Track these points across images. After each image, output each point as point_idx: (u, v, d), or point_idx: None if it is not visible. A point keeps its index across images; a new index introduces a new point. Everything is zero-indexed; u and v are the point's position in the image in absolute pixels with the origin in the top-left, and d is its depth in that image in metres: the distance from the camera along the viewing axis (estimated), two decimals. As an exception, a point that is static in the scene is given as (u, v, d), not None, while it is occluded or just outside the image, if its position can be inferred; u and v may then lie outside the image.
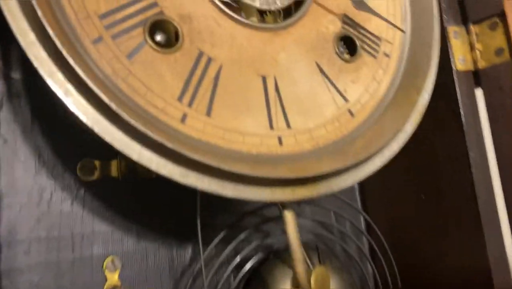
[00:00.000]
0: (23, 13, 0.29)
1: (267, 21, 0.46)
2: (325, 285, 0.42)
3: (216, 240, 0.44)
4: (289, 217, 0.37)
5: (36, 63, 0.28)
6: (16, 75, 0.44)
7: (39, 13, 0.28)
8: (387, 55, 0.44)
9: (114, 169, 0.45)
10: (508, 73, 0.45)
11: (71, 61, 0.28)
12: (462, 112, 0.46)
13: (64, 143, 0.44)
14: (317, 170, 0.35)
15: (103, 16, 0.32)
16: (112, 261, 0.44)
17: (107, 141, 0.29)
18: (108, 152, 0.45)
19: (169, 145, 0.29)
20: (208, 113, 0.34)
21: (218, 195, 0.32)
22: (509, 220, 0.45)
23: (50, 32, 0.28)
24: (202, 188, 0.31)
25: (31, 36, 0.28)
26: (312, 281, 0.41)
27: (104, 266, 0.44)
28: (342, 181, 0.37)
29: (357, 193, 0.61)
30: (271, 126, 0.37)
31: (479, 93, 0.48)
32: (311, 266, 0.43)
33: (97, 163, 0.45)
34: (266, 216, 0.49)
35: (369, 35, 0.44)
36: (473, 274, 0.45)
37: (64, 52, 0.28)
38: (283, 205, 0.36)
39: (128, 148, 0.30)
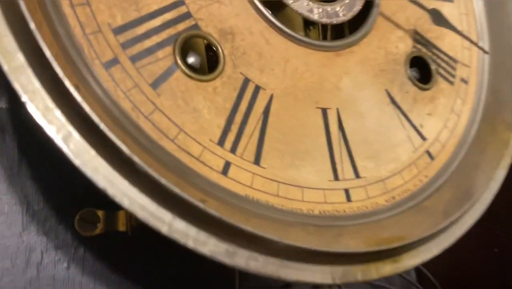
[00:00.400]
0: (8, 26, 0.20)
1: (312, 37, 0.37)
2: None
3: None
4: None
5: (24, 96, 0.19)
6: (1, 103, 0.35)
7: (32, 25, 0.19)
8: (464, 81, 0.36)
9: (121, 221, 0.36)
10: None
11: (74, 93, 0.19)
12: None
13: (59, 189, 0.35)
14: (404, 238, 0.26)
15: (120, 31, 0.23)
16: (118, 340, 0.35)
17: (128, 210, 0.20)
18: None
19: (213, 212, 0.20)
20: (257, 161, 0.25)
21: (275, 278, 0.23)
22: None
23: (47, 52, 0.19)
24: (255, 270, 0.22)
25: (19, 58, 0.19)
26: None
27: None
28: (429, 248, 0.28)
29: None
30: (336, 177, 0.28)
31: None
32: None
33: (100, 213, 0.35)
34: None
35: (443, 56, 0.35)
36: None
37: (66, 82, 0.19)
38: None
39: (154, 218, 0.21)
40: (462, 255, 0.45)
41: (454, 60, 0.36)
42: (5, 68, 0.19)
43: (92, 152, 0.20)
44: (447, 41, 0.36)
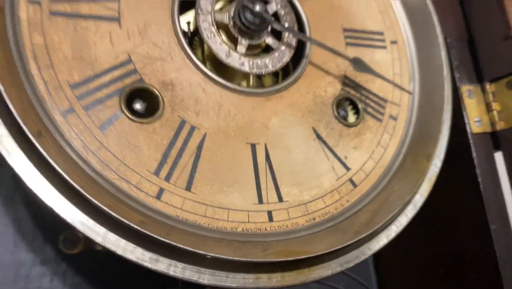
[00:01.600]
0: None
1: (265, 82, 0.43)
2: None
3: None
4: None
5: (-4, 139, 0.26)
6: None
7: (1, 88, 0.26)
8: (393, 118, 0.41)
9: (99, 240, 0.42)
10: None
11: (30, 137, 0.25)
12: (480, 179, 0.41)
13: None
14: (311, 251, 0.30)
15: (76, 86, 0.30)
16: None
17: (68, 223, 0.26)
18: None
19: (136, 227, 0.26)
20: (188, 187, 0.31)
21: (194, 282, 0.28)
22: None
23: (12, 108, 0.25)
24: (175, 275, 0.28)
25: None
26: None
27: None
28: (340, 262, 0.32)
29: (371, 267, 0.55)
30: (260, 200, 0.33)
31: (499, 157, 0.43)
32: None
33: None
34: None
35: (372, 97, 0.40)
36: None
37: (24, 128, 0.25)
38: None
39: (91, 231, 0.27)
40: (415, 277, 0.49)
41: (384, 100, 0.41)
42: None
43: (46, 183, 0.26)
44: (377, 83, 0.41)
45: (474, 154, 0.42)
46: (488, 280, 0.41)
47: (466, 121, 0.43)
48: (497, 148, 0.44)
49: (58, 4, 0.31)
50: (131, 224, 0.26)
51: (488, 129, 0.43)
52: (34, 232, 0.41)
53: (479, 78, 0.45)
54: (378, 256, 0.55)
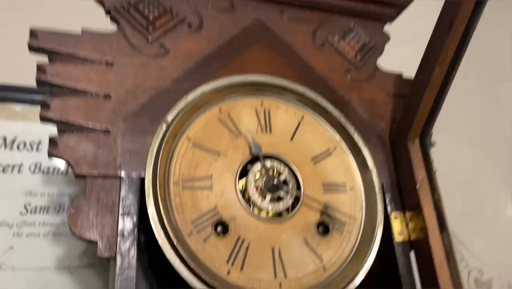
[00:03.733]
0: (159, 223, 0.64)
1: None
2: None
3: None
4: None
5: (163, 248, 0.63)
6: (142, 238, 0.80)
7: (165, 221, 0.63)
8: (349, 232, 0.76)
9: None
10: (426, 244, 0.74)
11: (177, 245, 0.62)
12: (400, 271, 0.75)
13: (166, 282, 0.78)
14: (299, 302, 0.65)
15: (193, 221, 0.67)
16: None
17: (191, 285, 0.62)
18: None
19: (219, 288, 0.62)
20: (242, 269, 0.67)
21: (244, 314, 0.63)
22: None
23: (170, 233, 0.63)
24: (236, 310, 0.63)
25: (162, 234, 0.64)
26: None
27: None
28: (315, 309, 0.66)
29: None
30: (275, 276, 0.68)
31: (412, 254, 0.77)
32: None
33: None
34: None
35: (337, 221, 0.76)
36: None
37: (176, 243, 0.62)
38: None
39: (201, 289, 0.62)
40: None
41: (343, 223, 0.76)
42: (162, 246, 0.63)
43: (185, 271, 0.62)
44: (340, 213, 0.77)
45: (397, 254, 0.76)
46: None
47: (392, 233, 0.77)
48: (411, 248, 0.77)
49: (185, 182, 0.69)
50: (218, 287, 0.62)
51: (407, 238, 0.77)
52: None
53: (402, 208, 0.80)
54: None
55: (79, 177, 0.63)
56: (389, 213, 0.79)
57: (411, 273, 0.76)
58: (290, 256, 0.71)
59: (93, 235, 0.60)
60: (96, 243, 0.60)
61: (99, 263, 0.95)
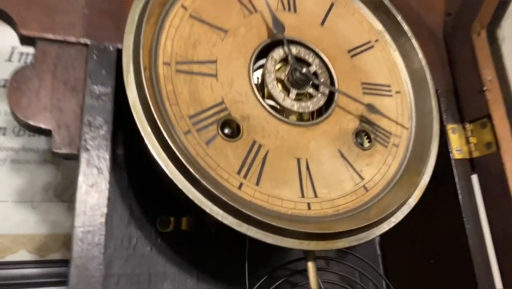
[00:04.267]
0: (144, 114, 0.45)
1: (304, 117, 0.61)
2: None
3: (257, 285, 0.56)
4: (311, 266, 0.49)
5: (150, 147, 0.44)
6: (120, 151, 0.61)
7: (153, 111, 0.44)
8: (396, 145, 0.58)
9: (184, 224, 0.59)
10: (495, 162, 0.56)
11: (171, 144, 0.43)
12: (459, 193, 0.57)
13: (149, 203, 0.60)
14: (336, 228, 0.47)
15: (192, 117, 0.48)
16: (177, 297, 0.57)
17: (190, 199, 0.44)
18: (180, 210, 0.60)
19: (231, 203, 0.44)
20: (257, 183, 0.49)
21: (261, 241, 0.45)
22: (501, 280, 0.54)
23: (161, 127, 0.44)
24: (251, 235, 0.45)
25: (148, 129, 0.45)
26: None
27: (171, 301, 0.57)
28: (356, 239, 0.49)
29: (379, 258, 0.71)
30: (303, 195, 0.50)
31: (475, 178, 0.59)
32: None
33: (172, 218, 0.59)
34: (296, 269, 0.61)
35: (381, 130, 0.58)
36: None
37: (169, 141, 0.44)
38: (307, 255, 0.49)
39: (203, 204, 0.44)
40: (414, 267, 0.65)
41: (389, 133, 0.58)
42: (143, 132, 0.45)
43: (176, 172, 0.44)
44: (384, 121, 0.58)
45: (455, 174, 0.58)
46: (464, 267, 0.56)
47: (449, 150, 0.59)
48: (473, 170, 0.60)
49: (180, 65, 0.50)
50: (228, 201, 0.43)
51: (467, 156, 0.60)
52: (141, 215, 0.59)
53: (461, 119, 0.62)
54: (386, 252, 0.71)
55: (27, 40, 0.43)
56: (445, 125, 0.61)
57: (473, 199, 0.58)
58: (321, 170, 0.53)
59: (45, 121, 0.41)
60: (49, 133, 0.41)
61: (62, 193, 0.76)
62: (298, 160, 0.52)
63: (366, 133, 0.57)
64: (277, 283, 0.58)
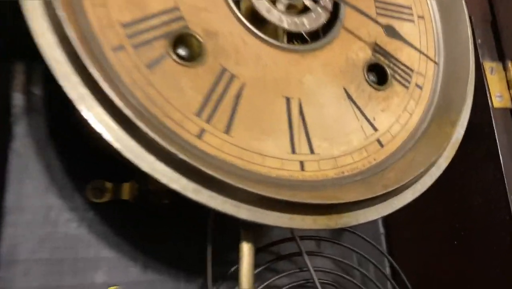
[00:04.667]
0: (45, 13, 0.28)
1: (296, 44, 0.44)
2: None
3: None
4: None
5: (52, 65, 0.27)
6: (37, 91, 0.44)
7: (61, 16, 0.27)
8: (419, 86, 0.42)
9: (126, 192, 0.43)
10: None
11: (87, 63, 0.26)
12: (500, 152, 0.43)
13: (77, 163, 0.43)
14: (342, 197, 0.32)
15: (126, 25, 0.31)
16: (115, 291, 0.41)
17: (116, 149, 0.27)
18: (121, 174, 0.43)
19: (182, 156, 0.27)
20: (227, 131, 0.32)
21: (232, 216, 0.29)
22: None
23: (70, 34, 0.27)
24: (216, 207, 0.29)
25: (49, 37, 0.28)
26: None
27: (106, 296, 0.41)
28: (369, 213, 0.34)
29: (382, 237, 0.57)
30: (293, 151, 0.34)
31: (517, 132, 0.45)
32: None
33: (109, 185, 0.43)
34: (281, 253, 0.46)
35: (400, 65, 0.42)
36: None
37: (82, 56, 0.27)
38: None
39: (139, 159, 0.28)
40: (429, 248, 0.50)
41: (410, 69, 0.42)
42: (38, 42, 0.27)
43: (96, 106, 0.27)
44: (405, 53, 0.43)
45: (494, 127, 0.43)
46: (503, 254, 0.42)
47: (488, 96, 0.44)
48: (516, 122, 0.45)
49: None
50: (178, 153, 0.27)
51: (509, 105, 0.45)
52: (64, 180, 0.42)
53: (501, 57, 0.46)
54: (390, 227, 0.56)
55: None
56: (481, 63, 0.46)
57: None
58: (320, 116, 0.37)
59: None
60: None
61: None
62: (288, 100, 0.36)
63: (381, 68, 0.41)
64: (257, 271, 0.43)
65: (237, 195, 0.29)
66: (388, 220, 0.56)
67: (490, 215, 0.43)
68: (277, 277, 0.45)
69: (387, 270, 0.55)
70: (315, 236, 0.49)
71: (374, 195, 0.33)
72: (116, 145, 0.27)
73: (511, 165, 0.43)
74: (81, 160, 0.43)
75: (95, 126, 0.27)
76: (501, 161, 0.42)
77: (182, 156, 0.27)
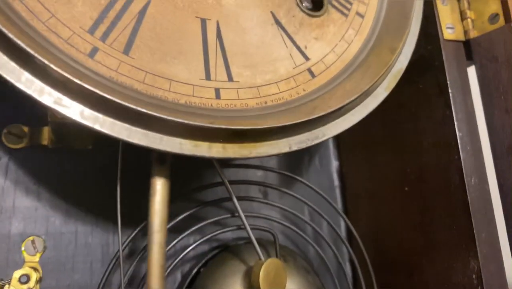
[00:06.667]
0: None
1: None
2: (279, 281, 0.35)
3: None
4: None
5: None
6: None
7: None
8: (360, 15, 0.38)
9: (45, 136, 0.40)
10: (503, 39, 0.38)
11: None
12: (449, 85, 0.39)
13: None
14: (258, 124, 0.28)
15: None
16: (33, 242, 0.38)
17: None
18: (40, 118, 0.40)
19: (68, 75, 0.24)
20: (126, 51, 0.29)
21: (123, 141, 0.26)
22: (504, 214, 0.37)
23: None
24: (101, 129, 0.25)
25: None
26: (261, 274, 0.34)
27: (22, 247, 0.38)
28: (289, 143, 0.30)
29: (337, 192, 0.54)
30: (208, 77, 0.31)
31: (471, 69, 0.41)
32: (262, 257, 0.36)
33: (26, 129, 0.39)
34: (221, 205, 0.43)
35: (339, -9, 0.38)
36: (461, 278, 0.37)
37: None
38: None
39: (7, 71, 0.24)
40: (382, 198, 0.47)
41: (351, -4, 0.39)
42: None
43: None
44: (345, -22, 0.39)
45: (444, 60, 0.40)
46: (453, 189, 0.39)
47: (438, 26, 0.41)
48: (469, 59, 0.41)
49: None
50: (59, 70, 0.24)
51: (461, 37, 0.41)
52: (-26, 123, 0.39)
53: (454, -14, 0.43)
54: (345, 180, 0.53)
55: None
56: (431, -8, 0.42)
57: (468, 97, 0.40)
58: (241, 41, 0.33)
59: None
60: None
61: None
62: (204, 22, 0.32)
63: (315, -7, 0.37)
64: (185, 214, 0.40)
65: (129, 116, 0.26)
66: (343, 169, 0.53)
67: (439, 155, 0.40)
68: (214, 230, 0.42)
69: (342, 225, 0.52)
70: (262, 182, 0.46)
71: (295, 122, 0.29)
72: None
73: (461, 99, 0.40)
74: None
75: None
76: (450, 95, 0.39)
77: (66, 73, 0.24)
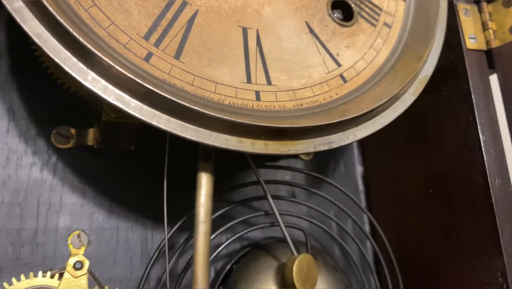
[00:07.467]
0: None
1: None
2: (310, 276, 0.37)
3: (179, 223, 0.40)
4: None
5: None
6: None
7: None
8: (388, 25, 0.41)
9: (91, 137, 0.42)
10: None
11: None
12: (472, 92, 0.41)
13: (41, 107, 0.42)
14: (295, 123, 0.31)
15: None
16: (78, 236, 0.40)
17: (56, 62, 0.27)
18: (86, 119, 0.42)
19: (117, 66, 0.26)
20: (177, 56, 0.32)
21: (178, 136, 0.29)
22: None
23: None
24: (158, 125, 0.28)
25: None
26: (294, 268, 0.36)
27: (69, 241, 0.40)
28: (323, 142, 0.33)
29: (362, 195, 0.55)
30: (249, 80, 0.34)
31: (493, 77, 0.43)
32: (295, 252, 0.38)
33: (73, 130, 0.42)
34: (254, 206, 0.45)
35: (368, 3, 0.41)
36: (486, 277, 0.39)
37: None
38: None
39: (79, 72, 0.27)
40: (406, 200, 0.49)
41: (379, 8, 0.41)
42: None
43: (34, 20, 0.27)
44: (373, -9, 0.41)
45: (467, 69, 0.42)
46: (476, 190, 0.41)
47: (461, 37, 0.43)
48: (491, 67, 0.43)
49: None
50: (123, 71, 0.26)
51: (483, 47, 0.43)
52: (28, 123, 0.41)
53: (477, -2, 0.45)
54: (370, 182, 0.55)
55: None
56: (454, 4, 0.45)
57: (491, 104, 0.42)
58: (279, 48, 0.36)
59: None
60: None
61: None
62: (245, 31, 0.35)
63: (346, 5, 0.40)
64: (222, 211, 0.42)
65: (183, 114, 0.28)
66: (368, 175, 0.55)
67: (463, 159, 0.42)
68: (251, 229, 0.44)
69: (366, 227, 0.53)
70: (289, 182, 0.48)
71: (330, 122, 0.32)
72: (56, 59, 0.27)
73: (484, 106, 0.41)
74: (45, 105, 0.42)
75: (34, 37, 0.26)
76: (474, 102, 0.41)
77: (116, 65, 0.26)
